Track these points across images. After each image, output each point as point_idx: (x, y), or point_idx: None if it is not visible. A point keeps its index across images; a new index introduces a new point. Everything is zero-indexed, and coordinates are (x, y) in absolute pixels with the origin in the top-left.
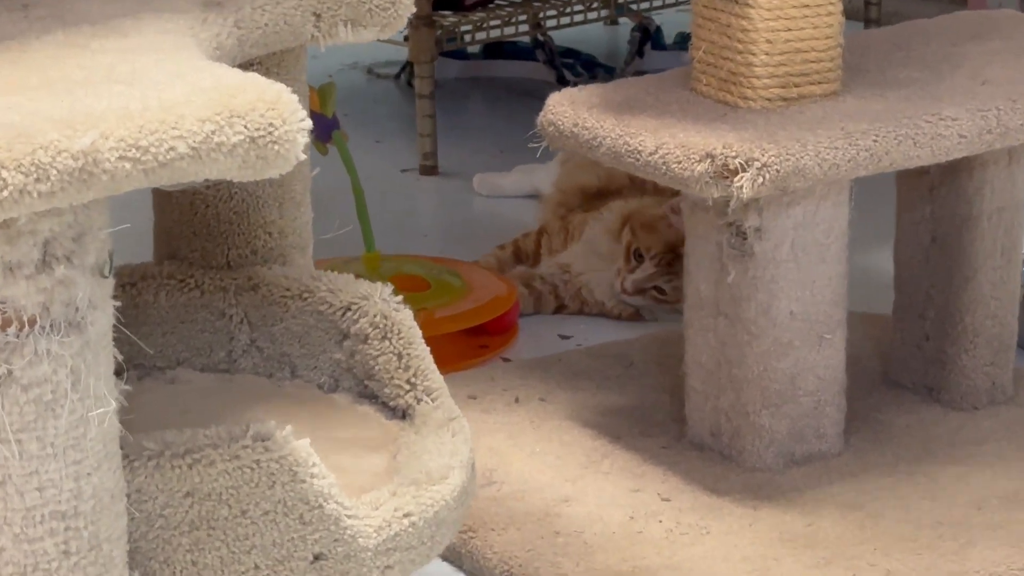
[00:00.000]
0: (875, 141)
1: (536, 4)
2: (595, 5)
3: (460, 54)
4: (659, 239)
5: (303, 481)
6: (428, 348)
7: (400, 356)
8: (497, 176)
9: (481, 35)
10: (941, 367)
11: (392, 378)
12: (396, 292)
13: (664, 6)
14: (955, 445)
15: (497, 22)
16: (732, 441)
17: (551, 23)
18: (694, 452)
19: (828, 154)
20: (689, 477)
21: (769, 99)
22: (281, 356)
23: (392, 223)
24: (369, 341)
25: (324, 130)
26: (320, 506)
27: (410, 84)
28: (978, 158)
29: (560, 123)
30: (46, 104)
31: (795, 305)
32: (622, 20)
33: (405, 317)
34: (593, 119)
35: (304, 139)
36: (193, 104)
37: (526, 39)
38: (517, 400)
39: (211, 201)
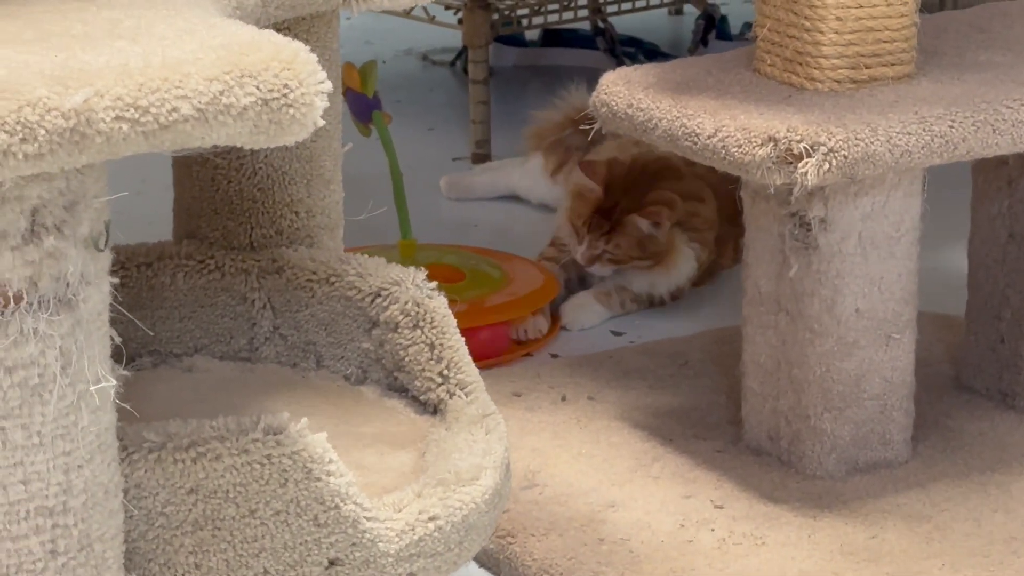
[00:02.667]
0: (951, 127)
1: None
2: None
3: (517, 41)
4: (585, 205)
5: (318, 479)
6: (463, 339)
7: (432, 347)
8: (466, 176)
9: (538, 20)
10: (1017, 372)
11: (423, 370)
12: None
13: None
14: None
15: (555, 7)
16: (791, 446)
17: (612, 9)
18: (751, 457)
19: (900, 140)
20: (744, 483)
21: (838, 81)
22: (306, 344)
23: (442, 212)
24: (399, 330)
25: (365, 110)
26: (336, 507)
27: (466, 71)
28: None
29: (614, 104)
30: (38, 59)
31: (861, 302)
32: (687, 9)
33: (439, 305)
34: (649, 100)
35: (323, 103)
36: (200, 62)
37: (586, 26)
38: (564, 398)
39: (234, 177)
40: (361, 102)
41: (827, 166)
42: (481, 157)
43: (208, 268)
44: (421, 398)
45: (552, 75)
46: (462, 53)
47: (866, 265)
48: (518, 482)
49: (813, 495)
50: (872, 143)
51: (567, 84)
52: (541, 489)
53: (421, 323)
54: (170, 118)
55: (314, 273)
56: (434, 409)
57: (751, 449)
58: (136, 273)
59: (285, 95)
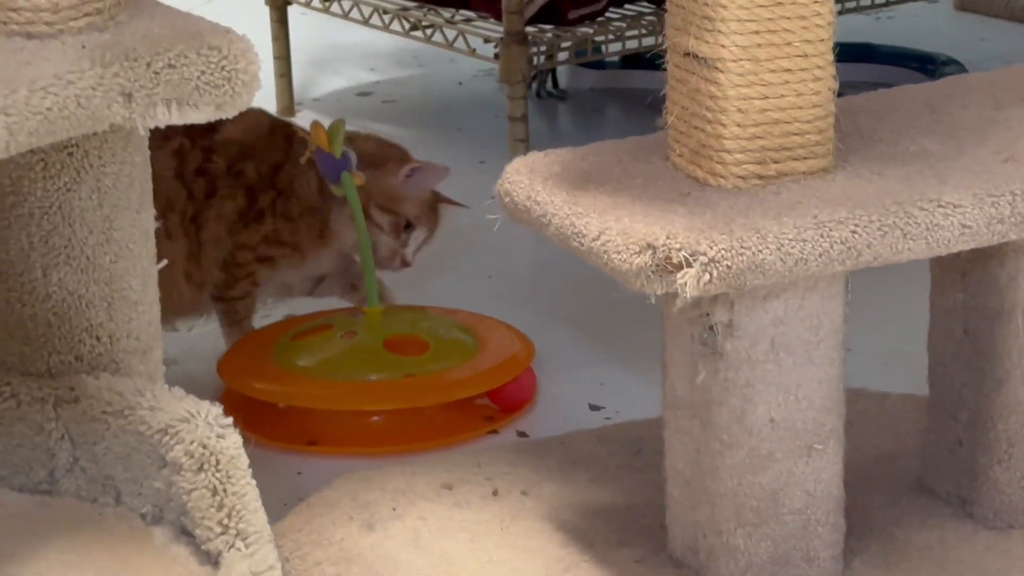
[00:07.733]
0: (853, 232)
1: (649, 18)
2: None
3: (596, 63)
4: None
5: None
6: (253, 483)
7: (215, 492)
8: None
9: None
10: (973, 477)
11: (204, 517)
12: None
13: None
14: (976, 572)
15: (602, 37)
16: (708, 561)
17: None
18: (671, 569)
19: (793, 248)
20: None
21: (742, 176)
22: (105, 479)
23: (453, 260)
24: (183, 472)
25: (333, 170)
26: None
27: (540, 95)
28: (1011, 243)
29: (515, 193)
30: None
31: (776, 412)
32: None
33: (229, 446)
34: (546, 192)
35: None
36: None
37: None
38: (496, 493)
39: (27, 300)
40: (329, 163)
41: (708, 277)
42: None
43: (3, 396)
44: (203, 547)
45: (630, 98)
46: (537, 76)
47: (780, 373)
48: None
49: None
50: (760, 252)
51: (643, 108)
52: None
53: (206, 466)
54: None
55: (109, 404)
56: (215, 560)
57: (673, 560)
58: None
59: None
